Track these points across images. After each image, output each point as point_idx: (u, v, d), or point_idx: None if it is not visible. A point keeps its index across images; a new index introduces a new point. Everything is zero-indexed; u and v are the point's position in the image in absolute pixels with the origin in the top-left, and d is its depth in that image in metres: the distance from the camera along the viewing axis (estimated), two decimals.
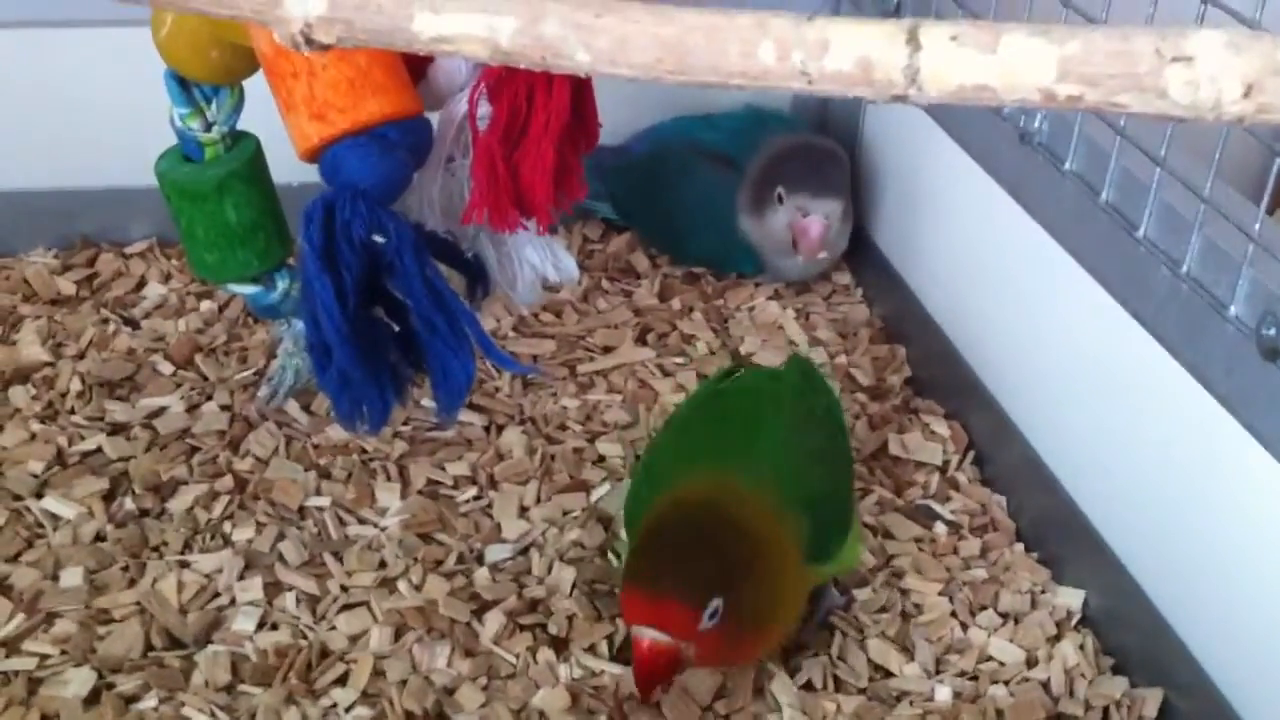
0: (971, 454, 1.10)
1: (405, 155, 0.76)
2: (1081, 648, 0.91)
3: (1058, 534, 0.99)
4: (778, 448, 0.85)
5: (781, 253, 1.26)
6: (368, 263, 0.76)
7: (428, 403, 1.02)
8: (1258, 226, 0.75)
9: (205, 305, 1.20)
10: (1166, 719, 0.86)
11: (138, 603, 0.90)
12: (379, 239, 0.75)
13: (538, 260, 0.89)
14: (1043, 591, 0.96)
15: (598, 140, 0.86)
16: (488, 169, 0.78)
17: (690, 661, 0.76)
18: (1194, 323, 0.80)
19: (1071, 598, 0.95)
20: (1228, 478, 0.81)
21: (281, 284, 0.96)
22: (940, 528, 1.01)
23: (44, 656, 0.85)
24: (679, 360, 1.18)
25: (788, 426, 0.88)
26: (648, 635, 0.74)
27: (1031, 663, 0.90)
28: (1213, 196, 0.79)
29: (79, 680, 0.83)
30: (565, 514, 0.99)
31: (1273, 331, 0.72)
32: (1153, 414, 0.88)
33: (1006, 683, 0.88)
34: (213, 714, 0.82)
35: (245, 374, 1.11)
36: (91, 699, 0.83)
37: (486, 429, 1.08)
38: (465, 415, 1.08)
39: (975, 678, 0.89)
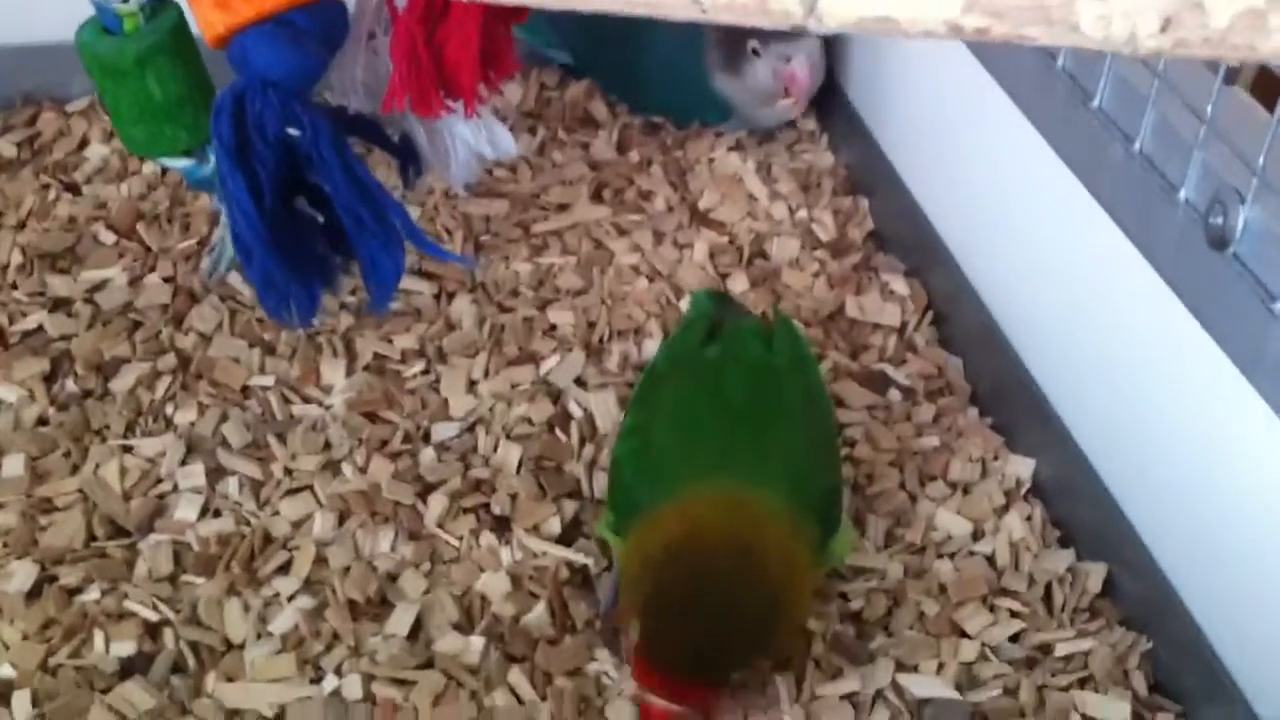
0: (930, 314, 1.08)
1: (317, 44, 0.73)
2: (1029, 519, 0.91)
3: (1011, 401, 0.98)
4: (789, 447, 0.77)
5: (762, 104, 1.22)
6: (284, 157, 0.73)
7: None
8: (1210, 107, 0.71)
9: (148, 168, 1.16)
10: (1110, 594, 0.86)
11: (80, 490, 0.89)
12: (293, 132, 0.72)
13: (471, 137, 0.86)
14: (995, 459, 0.95)
15: (529, 11, 0.82)
16: (408, 53, 0.74)
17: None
18: (1146, 203, 0.77)
19: (1022, 467, 0.94)
20: (1174, 360, 0.80)
21: (214, 158, 0.93)
22: (894, 394, 1.00)
23: None
24: (635, 218, 1.15)
25: (794, 418, 0.80)
26: (662, 704, 0.69)
27: (978, 535, 0.90)
28: (1167, 71, 0.75)
29: (22, 574, 0.83)
30: (514, 387, 0.98)
31: (1220, 220, 0.70)
32: (1104, 290, 0.86)
33: (952, 556, 0.88)
34: (155, 606, 0.82)
35: (188, 243, 1.09)
36: (34, 592, 0.83)
37: (436, 297, 1.06)
38: (414, 283, 1.06)
39: (922, 550, 0.89)
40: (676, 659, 0.68)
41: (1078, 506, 0.90)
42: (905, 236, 1.14)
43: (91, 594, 0.83)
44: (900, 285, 1.10)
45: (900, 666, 0.81)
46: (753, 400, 0.79)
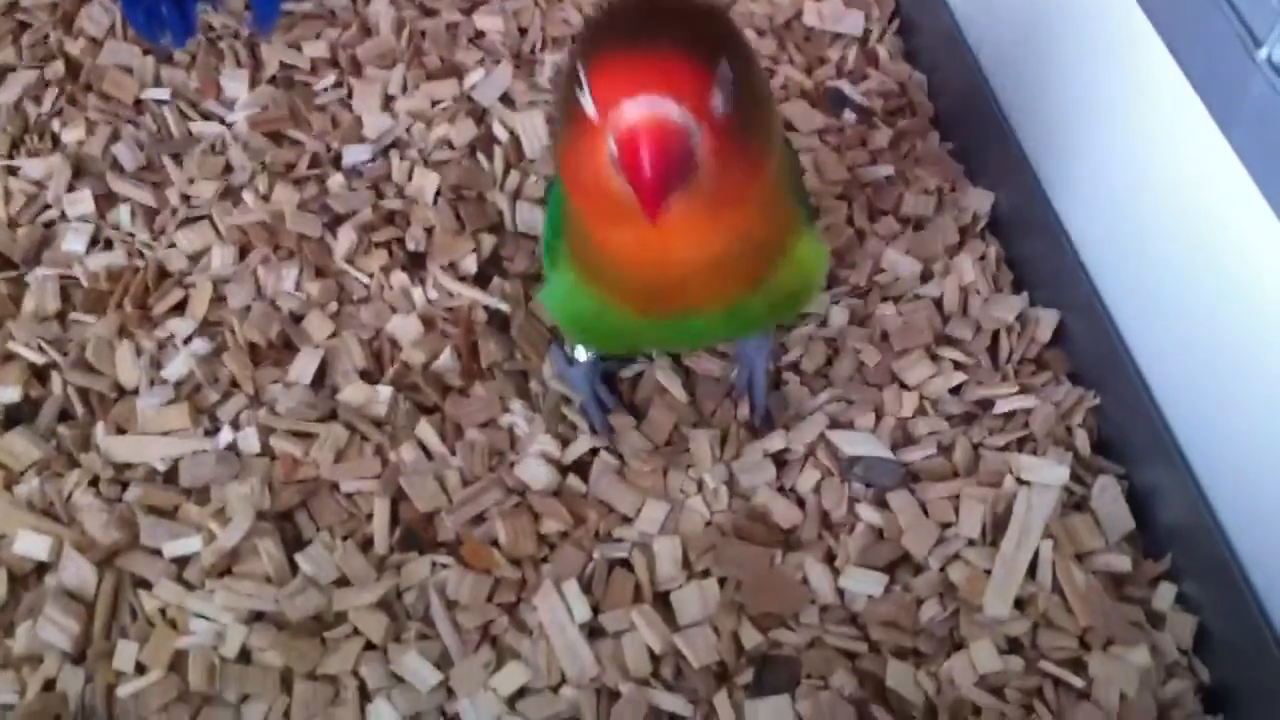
0: (897, 23, 0.99)
1: None
2: (982, 259, 0.85)
3: (975, 124, 0.90)
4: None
5: None
6: None
7: None
8: None
9: None
10: (1060, 344, 0.81)
11: None
12: None
13: None
14: (951, 189, 0.88)
15: None
16: None
17: (696, 164, 0.51)
18: None
19: (980, 200, 0.87)
20: (1145, 99, 0.72)
21: None
22: (849, 116, 0.92)
23: None
24: None
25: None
26: (648, 110, 0.50)
27: (926, 276, 0.84)
28: None
29: None
30: (434, 105, 0.90)
31: None
32: (1077, 10, 0.78)
33: (897, 300, 0.83)
34: (41, 348, 0.77)
35: None
36: None
37: None
38: None
39: (866, 292, 0.83)
40: (641, 27, 0.51)
41: (1034, 245, 0.84)
42: None
43: None
44: None
45: (834, 423, 0.76)
46: None
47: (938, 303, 0.83)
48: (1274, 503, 0.66)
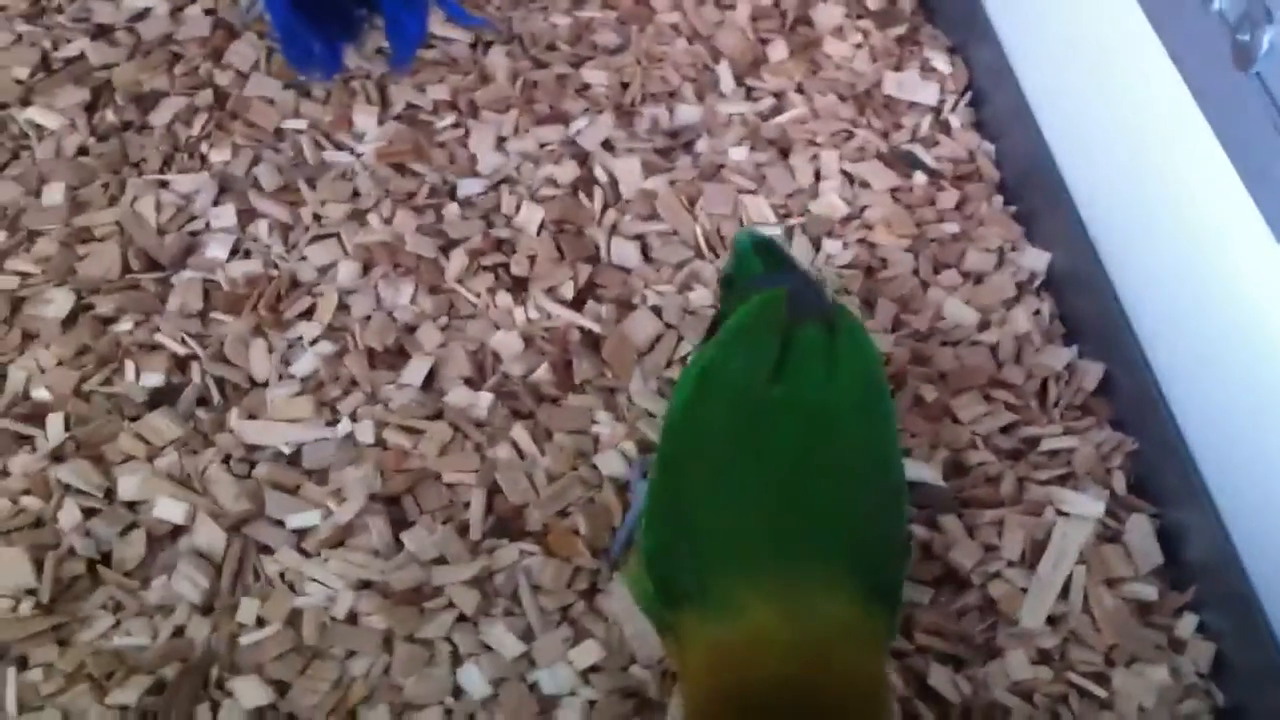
0: (970, 95, 1.07)
1: None
2: (1036, 313, 0.92)
3: (1036, 190, 0.98)
4: (852, 515, 0.64)
5: None
6: None
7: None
8: None
9: None
10: (1105, 393, 0.88)
11: (117, 222, 0.92)
12: None
13: None
14: (1012, 249, 0.96)
15: None
16: None
17: None
18: (1181, 7, 0.76)
19: (1037, 259, 0.95)
20: (1190, 168, 0.79)
21: None
22: (920, 177, 1.00)
23: (25, 275, 0.89)
24: None
25: (858, 475, 0.66)
26: None
27: (984, 325, 0.91)
28: None
29: (59, 300, 0.87)
30: (542, 147, 0.99)
31: (1246, 38, 0.68)
32: (1133, 92, 0.85)
33: (955, 344, 0.90)
34: (184, 341, 0.86)
35: None
36: (70, 320, 0.87)
37: (472, 46, 1.06)
38: (451, 31, 1.06)
39: (927, 336, 0.91)
40: None
41: (1085, 303, 0.91)
42: (954, 9, 1.11)
43: (124, 325, 0.87)
44: (942, 62, 1.08)
45: None
46: (809, 455, 0.65)
47: (993, 349, 0.90)
48: None
